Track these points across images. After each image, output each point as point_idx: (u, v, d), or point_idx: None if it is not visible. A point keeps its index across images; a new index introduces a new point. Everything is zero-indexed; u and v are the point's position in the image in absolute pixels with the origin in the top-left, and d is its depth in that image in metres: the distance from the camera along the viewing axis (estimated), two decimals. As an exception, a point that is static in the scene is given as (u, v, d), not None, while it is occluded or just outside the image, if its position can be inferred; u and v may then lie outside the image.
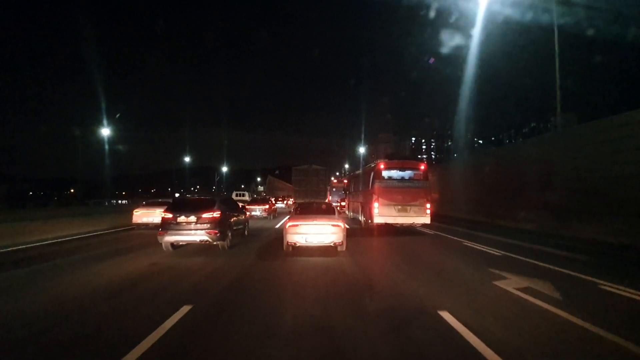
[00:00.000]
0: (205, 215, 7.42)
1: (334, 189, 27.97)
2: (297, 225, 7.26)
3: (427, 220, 10.86)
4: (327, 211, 8.30)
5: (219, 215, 7.61)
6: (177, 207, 7.79)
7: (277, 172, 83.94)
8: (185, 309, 3.79)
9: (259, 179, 75.47)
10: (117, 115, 34.05)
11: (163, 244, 7.46)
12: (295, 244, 7.26)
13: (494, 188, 15.38)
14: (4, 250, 8.07)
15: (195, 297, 4.38)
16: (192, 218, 7.35)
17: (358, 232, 11.56)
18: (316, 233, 7.19)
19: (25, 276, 5.70)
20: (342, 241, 7.24)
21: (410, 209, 10.80)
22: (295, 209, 8.90)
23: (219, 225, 7.53)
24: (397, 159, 12.25)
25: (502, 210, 14.44)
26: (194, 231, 7.33)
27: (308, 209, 8.46)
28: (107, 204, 35.32)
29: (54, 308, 3.96)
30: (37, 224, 10.71)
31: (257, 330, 3.28)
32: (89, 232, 11.63)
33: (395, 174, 11.31)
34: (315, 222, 7.33)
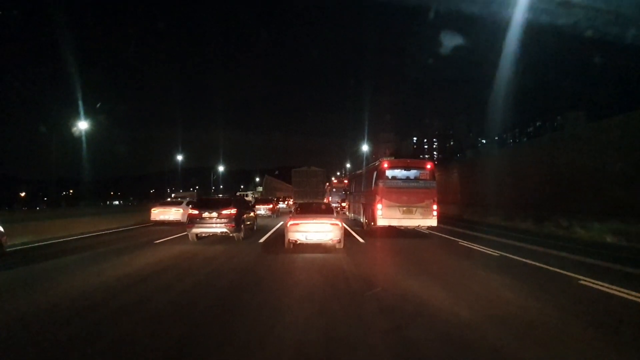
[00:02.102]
0: (224, 211, 9.51)
1: (334, 190, 28.03)
2: (297, 224, 8.01)
3: (433, 222, 10.64)
4: (326, 211, 9.15)
5: (235, 212, 9.67)
6: (201, 205, 9.91)
7: (276, 172, 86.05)
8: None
9: (257, 179, 77.38)
10: (97, 105, 35.38)
11: (190, 235, 9.55)
12: (296, 241, 8.08)
13: (547, 186, 12.83)
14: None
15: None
16: (214, 214, 9.43)
17: (360, 235, 11.24)
18: (315, 231, 7.91)
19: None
20: (339, 239, 8.07)
21: (415, 211, 10.53)
22: (296, 209, 9.88)
23: (234, 220, 9.59)
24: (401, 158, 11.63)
25: (559, 215, 11.74)
26: (215, 225, 9.42)
27: (308, 209, 9.34)
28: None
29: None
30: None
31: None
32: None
33: (399, 173, 11.06)
34: (314, 221, 8.05)
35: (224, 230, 9.43)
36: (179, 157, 47.40)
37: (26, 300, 4.56)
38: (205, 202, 10.56)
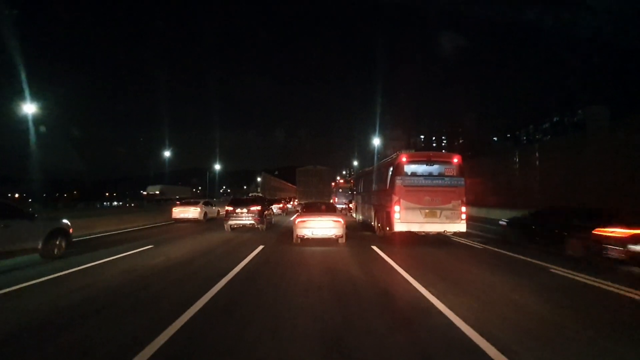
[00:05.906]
0: (252, 208, 12.72)
1: (340, 190, 28.32)
2: (304, 221, 9.47)
3: (462, 227, 9.61)
4: (329, 209, 10.71)
5: (260, 208, 12.86)
6: (235, 203, 13.16)
7: (275, 172, 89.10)
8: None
9: (259, 179, 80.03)
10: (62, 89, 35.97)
11: (225, 225, 12.71)
12: (303, 236, 9.50)
13: None
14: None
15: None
16: (244, 210, 12.63)
17: (379, 242, 9.99)
18: (320, 227, 9.35)
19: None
20: (342, 234, 9.46)
21: (440, 214, 9.55)
22: (302, 208, 11.58)
23: (259, 215, 12.72)
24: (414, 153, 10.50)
25: None
26: (245, 218, 12.61)
27: (313, 208, 10.91)
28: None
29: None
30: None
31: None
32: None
33: (421, 168, 9.97)
34: (319, 218, 9.52)
35: (252, 222, 12.60)
36: (167, 154, 46.59)
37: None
38: (237, 201, 13.93)
